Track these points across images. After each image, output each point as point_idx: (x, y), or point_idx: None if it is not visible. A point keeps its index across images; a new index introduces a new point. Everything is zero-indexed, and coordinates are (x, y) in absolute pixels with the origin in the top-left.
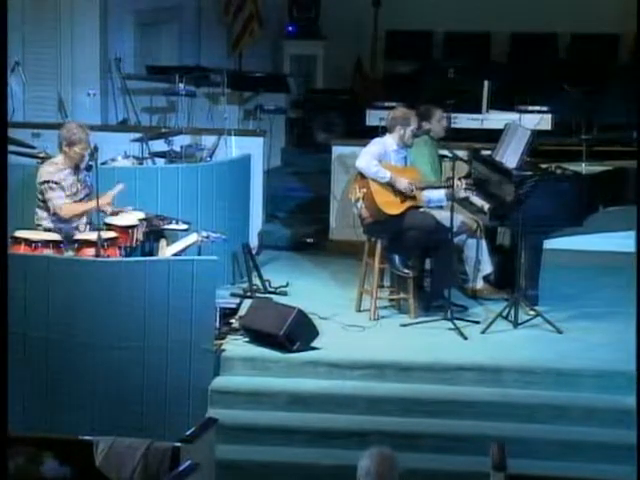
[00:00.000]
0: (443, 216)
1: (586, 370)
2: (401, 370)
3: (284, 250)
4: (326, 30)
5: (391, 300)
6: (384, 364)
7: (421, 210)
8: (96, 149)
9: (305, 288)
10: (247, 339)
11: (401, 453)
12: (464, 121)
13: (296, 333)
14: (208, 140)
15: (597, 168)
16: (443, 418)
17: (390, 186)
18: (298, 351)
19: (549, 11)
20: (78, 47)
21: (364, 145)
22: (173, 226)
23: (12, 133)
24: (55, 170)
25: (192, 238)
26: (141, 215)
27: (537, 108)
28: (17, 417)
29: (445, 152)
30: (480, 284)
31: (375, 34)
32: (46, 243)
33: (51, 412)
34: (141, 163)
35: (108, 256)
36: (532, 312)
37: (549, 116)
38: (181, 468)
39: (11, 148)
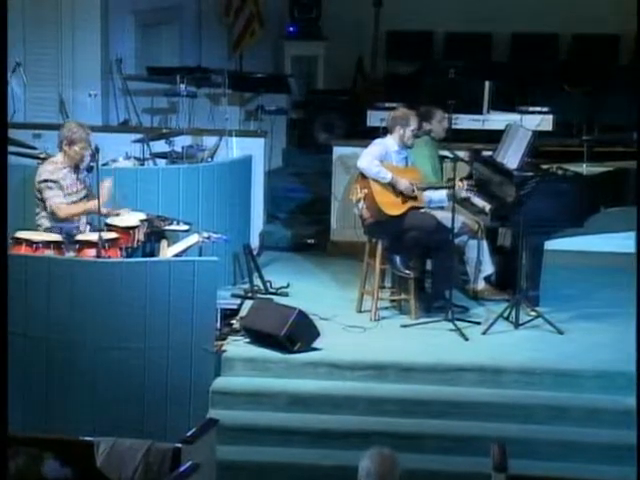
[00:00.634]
0: (444, 217)
1: (587, 371)
2: (402, 371)
3: (285, 251)
4: (327, 30)
5: (392, 301)
6: (385, 365)
7: (422, 211)
8: (97, 150)
9: (306, 289)
10: (248, 340)
11: (402, 454)
12: (465, 122)
13: (297, 334)
14: (209, 141)
15: (598, 169)
16: (444, 419)
17: (391, 187)
18: (299, 352)
19: (550, 12)
20: (79, 48)
21: (365, 146)
22: (174, 227)
23: (13, 134)
24: (54, 169)
25: (193, 239)
26: (142, 216)
27: (538, 109)
28: (17, 417)
29: (446, 153)
30: (481, 285)
31: (376, 34)
32: (47, 244)
33: (51, 413)
34: (142, 164)
35: (109, 257)
36: (533, 313)
37: (550, 117)
38: (182, 469)
39: (12, 149)
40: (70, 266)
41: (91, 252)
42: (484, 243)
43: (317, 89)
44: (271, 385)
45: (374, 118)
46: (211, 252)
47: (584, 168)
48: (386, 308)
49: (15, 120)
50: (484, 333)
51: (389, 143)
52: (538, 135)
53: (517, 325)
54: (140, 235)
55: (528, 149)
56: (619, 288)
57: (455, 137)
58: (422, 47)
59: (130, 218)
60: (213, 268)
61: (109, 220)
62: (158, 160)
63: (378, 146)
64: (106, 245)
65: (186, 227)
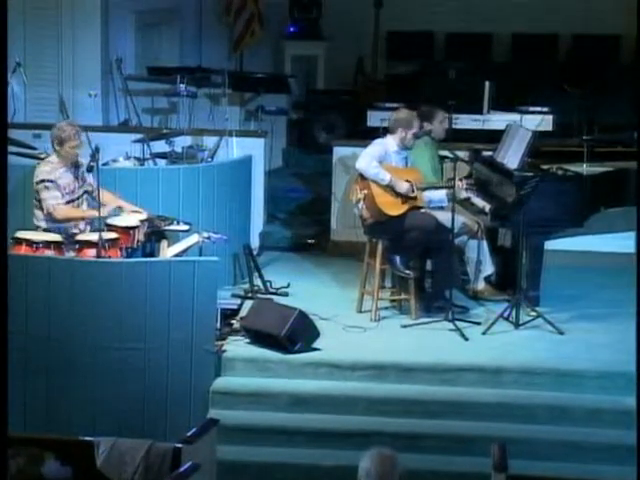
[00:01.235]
0: (444, 217)
1: (587, 371)
2: (402, 371)
3: (285, 251)
4: (327, 31)
5: (392, 301)
6: (385, 365)
7: (422, 211)
8: (97, 150)
9: (306, 289)
10: (248, 340)
11: (402, 454)
12: (465, 122)
13: (297, 334)
14: (209, 141)
15: (598, 169)
16: (444, 419)
17: (390, 188)
18: (299, 352)
19: (550, 12)
20: (79, 48)
21: (365, 146)
22: (174, 227)
23: (13, 134)
24: (51, 169)
25: (193, 239)
26: (142, 216)
27: (538, 109)
28: (17, 417)
29: (446, 153)
30: (481, 285)
31: (376, 35)
32: (47, 244)
33: (51, 413)
34: (142, 164)
35: (109, 257)
36: (533, 313)
37: (550, 117)
38: (182, 469)
39: (12, 149)
40: (70, 266)
41: (91, 252)
42: (484, 243)
43: (317, 89)
44: (271, 385)
45: (374, 118)
46: (211, 252)
47: (584, 168)
48: (386, 308)
49: (15, 120)
50: (484, 333)
51: (389, 143)
52: (538, 135)
53: (517, 325)
54: (140, 235)
55: (528, 149)
56: (619, 288)
57: (455, 137)
58: (422, 47)
59: (130, 218)
60: (213, 268)
61: (109, 220)
62: (158, 160)
63: (377, 146)
64: (106, 245)
65: (186, 227)
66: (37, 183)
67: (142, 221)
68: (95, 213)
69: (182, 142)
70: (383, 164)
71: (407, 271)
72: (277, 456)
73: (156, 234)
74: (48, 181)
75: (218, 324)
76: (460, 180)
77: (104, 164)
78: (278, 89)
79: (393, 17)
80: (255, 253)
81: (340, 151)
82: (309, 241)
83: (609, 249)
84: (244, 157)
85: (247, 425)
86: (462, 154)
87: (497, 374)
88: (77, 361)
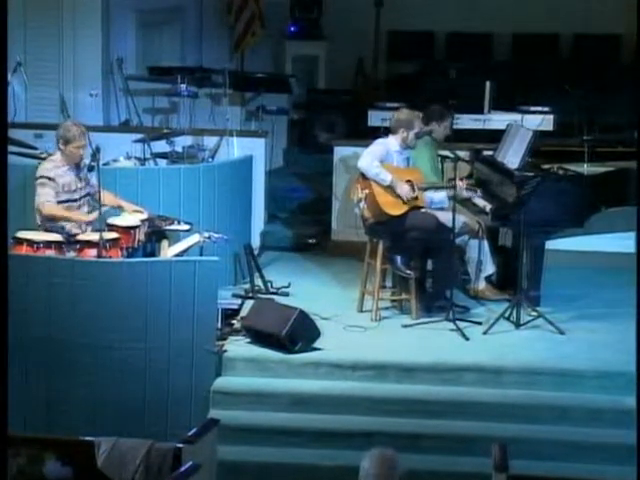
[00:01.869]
0: (445, 217)
1: (588, 371)
2: (403, 371)
3: (286, 251)
4: (328, 31)
5: (393, 301)
6: (386, 365)
7: (423, 211)
8: (98, 150)
9: (307, 289)
10: (249, 340)
11: (402, 454)
12: (466, 121)
13: (298, 334)
14: (210, 141)
15: (599, 169)
16: (445, 419)
17: (391, 188)
18: (300, 352)
19: (551, 11)
20: (80, 48)
21: (366, 146)
22: (175, 227)
23: (14, 134)
24: (52, 167)
25: (194, 239)
26: (143, 216)
27: (539, 109)
28: (18, 417)
29: (447, 153)
30: (482, 285)
31: (377, 35)
32: (48, 244)
33: (52, 413)
34: (143, 164)
35: (110, 257)
36: (534, 313)
37: (551, 117)
38: (183, 469)
39: (13, 149)
40: (71, 266)
41: (92, 252)
42: (485, 243)
43: (318, 89)
44: (272, 385)
45: (375, 118)
46: (212, 252)
47: (585, 168)
48: (387, 308)
49: (16, 120)
50: (485, 333)
51: (390, 143)
52: (539, 135)
53: (518, 325)
54: (141, 235)
55: (529, 149)
56: (620, 288)
57: (456, 137)
58: (423, 47)
59: (131, 218)
60: (214, 268)
61: (110, 220)
62: (159, 160)
63: (379, 146)
64: (107, 245)
65: (187, 227)
66: (36, 179)
67: (143, 221)
68: (82, 217)
69: (183, 142)
70: (384, 164)
71: (408, 271)
72: (278, 456)
73: (157, 234)
74: (46, 178)
75: (219, 324)
76: (460, 180)
77: (105, 164)
78: (279, 89)
79: (394, 17)
80: (256, 253)
81: (341, 151)
82: (310, 241)
83: (609, 249)
84: (245, 157)
85: (248, 425)
86: (463, 154)
87: (498, 374)
88: (77, 361)
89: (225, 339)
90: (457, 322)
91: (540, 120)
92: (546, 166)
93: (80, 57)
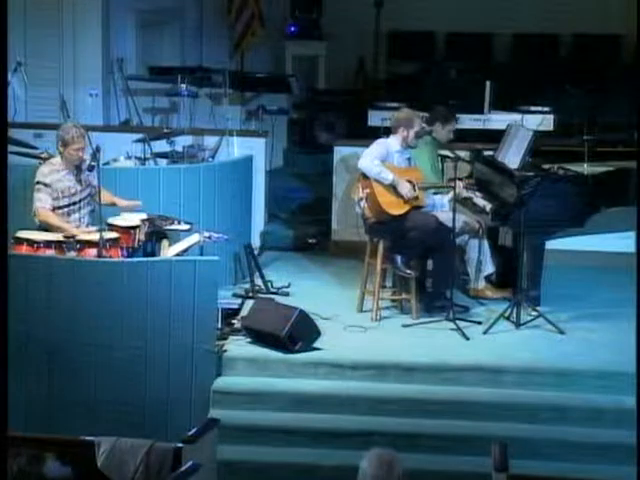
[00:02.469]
0: (445, 217)
1: (588, 371)
2: (403, 370)
3: (286, 250)
4: (328, 31)
5: (393, 301)
6: (386, 365)
7: (423, 211)
8: (98, 150)
9: (307, 289)
10: (249, 340)
11: (402, 454)
12: (466, 122)
13: (298, 334)
14: (210, 141)
15: (599, 169)
16: (445, 419)
17: (392, 187)
18: (300, 352)
19: (550, 12)
20: (80, 48)
21: (366, 146)
22: (175, 226)
23: (14, 134)
24: (49, 171)
25: (194, 238)
26: (143, 215)
27: (539, 109)
28: (18, 417)
29: (447, 153)
30: (482, 284)
31: (377, 35)
32: (48, 243)
33: (52, 412)
34: (143, 164)
35: (110, 257)
36: (534, 312)
37: (551, 117)
38: (183, 468)
39: (13, 149)
40: (71, 266)
41: (92, 252)
42: (485, 243)
43: (318, 89)
44: (272, 385)
45: (375, 118)
46: (212, 252)
47: (585, 168)
48: (387, 308)
49: (16, 120)
50: (485, 333)
51: (391, 143)
52: (539, 135)
53: (518, 325)
54: (141, 235)
55: (529, 149)
56: (619, 288)
57: (456, 137)
58: (423, 47)
59: (131, 218)
60: (214, 268)
61: (110, 220)
62: (159, 160)
63: (380, 146)
64: (107, 245)
65: (187, 227)
66: (34, 184)
67: (143, 221)
68: (74, 231)
69: (183, 142)
70: (385, 164)
71: (408, 271)
72: (278, 456)
73: (157, 234)
74: (42, 184)
75: (219, 324)
76: (460, 180)
77: (105, 164)
78: (279, 89)
79: (394, 17)
80: (256, 253)
81: (341, 151)
82: (310, 241)
83: (609, 249)
84: (245, 157)
85: (248, 425)
86: (463, 154)
87: (498, 374)
88: (77, 361)
89: (225, 339)
90: (457, 322)
91: (540, 120)
92: (546, 166)
93: (80, 57)
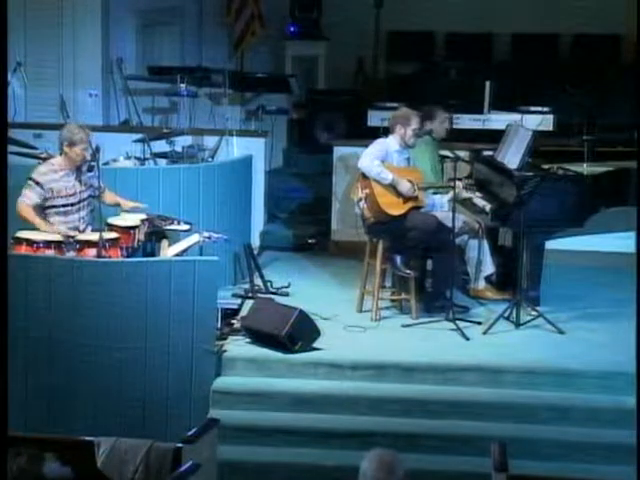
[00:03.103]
0: (445, 217)
1: (588, 371)
2: (402, 371)
3: (286, 251)
4: (328, 31)
5: (393, 301)
6: (385, 365)
7: (423, 211)
8: (98, 150)
9: (307, 289)
10: (249, 340)
11: (403, 454)
12: (466, 122)
13: (298, 334)
14: (210, 141)
15: (599, 169)
16: (444, 419)
17: (392, 187)
18: (300, 352)
19: (550, 12)
20: (80, 48)
21: (366, 146)
22: (175, 226)
23: (14, 134)
24: (47, 171)
25: (194, 238)
26: (143, 216)
27: (539, 109)
28: (18, 417)
29: (447, 153)
30: (482, 285)
31: (377, 35)
32: (48, 244)
33: (52, 412)
34: (143, 164)
35: (110, 257)
36: (534, 313)
37: (551, 117)
38: (183, 469)
39: (13, 149)
40: (71, 266)
41: (92, 252)
42: (485, 243)
43: (318, 89)
44: (272, 385)
45: (375, 118)
46: (212, 252)
47: (585, 168)
48: (387, 308)
49: (16, 120)
50: (485, 333)
51: (390, 143)
52: (539, 135)
53: (518, 325)
54: (141, 235)
55: (529, 149)
56: (619, 288)
57: (456, 137)
58: (423, 47)
59: (131, 218)
60: (214, 268)
61: (110, 220)
62: (159, 160)
63: (379, 146)
64: (107, 245)
65: (187, 227)
66: (27, 178)
67: (142, 221)
68: (48, 229)
69: (183, 142)
70: (385, 164)
71: (408, 271)
72: (277, 456)
73: (157, 234)
74: (34, 182)
75: (219, 324)
76: (459, 180)
77: (104, 164)
78: (279, 89)
79: (393, 17)
80: (256, 253)
81: (340, 151)
82: (310, 241)
83: (609, 249)
84: (245, 157)
85: (247, 425)
86: (463, 154)
87: (497, 374)
88: (77, 361)
89: (225, 339)
90: (457, 322)
91: (540, 120)
92: (546, 166)
93: (80, 57)
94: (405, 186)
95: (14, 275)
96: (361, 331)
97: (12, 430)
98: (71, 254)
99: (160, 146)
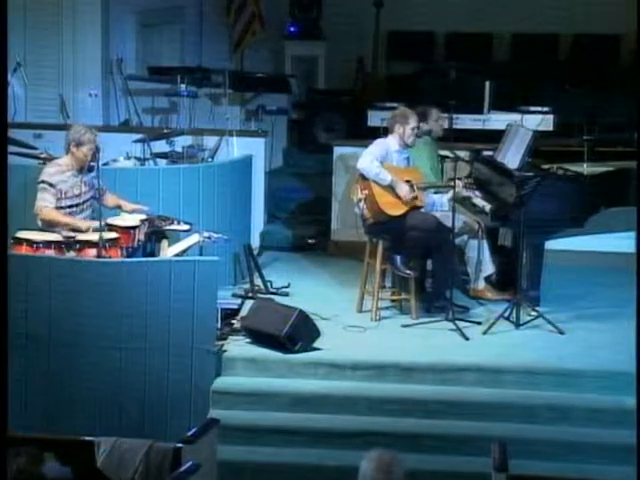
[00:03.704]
0: (444, 216)
1: (588, 371)
2: (402, 371)
3: (285, 251)
4: (328, 31)
5: (392, 301)
6: (385, 365)
7: (422, 211)
8: (98, 150)
9: (306, 289)
10: (248, 340)
11: (402, 454)
12: (466, 122)
13: (297, 334)
14: (210, 141)
15: (599, 169)
16: (444, 419)
17: (391, 187)
18: (299, 352)
19: (551, 11)
20: (80, 48)
21: (365, 146)
22: (175, 227)
23: (14, 134)
24: (55, 172)
25: (194, 239)
26: (143, 216)
27: (539, 109)
28: (18, 417)
29: (446, 153)
30: (481, 285)
31: (377, 35)
32: (48, 244)
33: (52, 413)
34: (143, 164)
35: (110, 257)
36: (533, 313)
37: (551, 117)
38: (182, 469)
39: (13, 149)
40: (71, 266)
41: (92, 252)
42: (484, 243)
43: (318, 89)
44: (272, 385)
45: (374, 118)
46: (212, 252)
47: (585, 168)
48: (387, 308)
49: (16, 120)
50: (485, 333)
51: (390, 143)
52: (539, 135)
53: (518, 325)
54: (141, 235)
55: (529, 149)
56: (619, 288)
57: (456, 137)
58: (423, 47)
59: (131, 218)
60: (214, 268)
61: (110, 220)
62: (159, 160)
63: (379, 146)
64: (107, 245)
65: (187, 227)
66: (38, 183)
67: (142, 221)
68: (79, 223)
69: (182, 142)
70: (384, 164)
71: (407, 271)
72: (277, 456)
73: (156, 234)
74: (47, 183)
75: (218, 324)
76: (459, 180)
77: (104, 164)
78: (278, 89)
79: (393, 17)
80: (255, 253)
81: (340, 151)
82: (309, 241)
83: (609, 249)
84: (244, 157)
85: (247, 425)
86: (463, 154)
87: (497, 374)
88: (77, 361)
89: (225, 339)
90: (457, 322)
91: (540, 120)
92: (546, 166)
93: (80, 57)
94: (403, 189)
95: (14, 275)
96: (361, 331)
97: (12, 430)
98: (71, 254)
99: (160, 146)
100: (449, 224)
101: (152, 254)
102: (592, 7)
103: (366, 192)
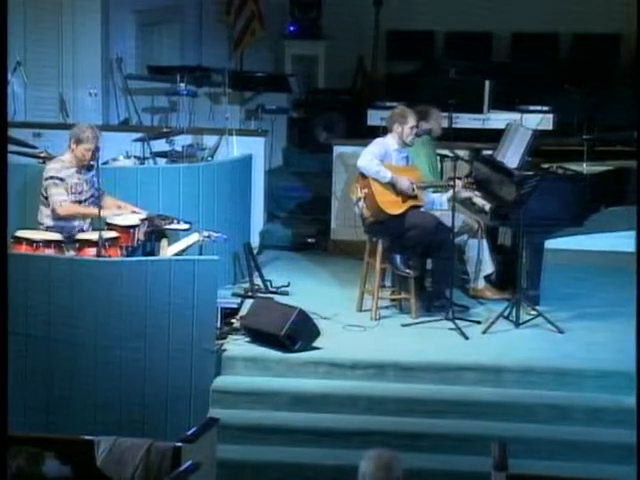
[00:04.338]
0: (444, 215)
1: (587, 370)
2: (402, 370)
3: (285, 250)
4: (327, 30)
5: (392, 300)
6: (385, 364)
7: (422, 210)
8: (97, 149)
9: (306, 288)
10: (248, 339)
11: (402, 453)
12: (465, 121)
13: (297, 333)
14: (209, 140)
15: (598, 168)
16: (444, 418)
17: (391, 186)
18: (299, 351)
19: (550, 11)
20: (80, 47)
21: (365, 145)
22: (174, 226)
23: (13, 133)
24: (61, 167)
25: (193, 238)
26: (142, 215)
27: (538, 108)
28: (18, 416)
29: (446, 152)
30: (481, 284)
31: (376, 34)
32: (47, 243)
33: (52, 412)
34: (142, 163)
35: (109, 256)
36: (533, 312)
37: (550, 116)
38: (182, 468)
39: (12, 148)
40: (70, 265)
41: (91, 251)
42: (484, 242)
43: (317, 88)
44: (271, 384)
45: (374, 117)
46: (211, 251)
47: (584, 167)
48: (386, 307)
49: (16, 119)
50: (484, 332)
51: (389, 142)
52: (538, 134)
53: (517, 324)
54: (140, 234)
55: (528, 148)
56: (619, 287)
57: (455, 136)
58: (423, 46)
59: (130, 217)
60: (213, 267)
61: (110, 219)
62: (158, 159)
63: (378, 145)
64: (106, 244)
65: (186, 226)
66: (46, 179)
67: (142, 220)
68: (96, 212)
69: (182, 141)
70: (384, 163)
71: (407, 270)
72: (277, 455)
73: (156, 233)
74: (57, 178)
75: (218, 323)
76: (459, 179)
77: (104, 163)
78: (278, 88)
79: (393, 16)
80: (255, 252)
81: (340, 150)
82: (309, 240)
83: (609, 248)
84: (244, 156)
85: (247, 424)
86: (462, 153)
87: (497, 373)
88: (77, 360)
89: (224, 338)
90: (456, 321)
91: (540, 119)
92: (545, 165)
93: (80, 56)
94: (404, 183)
95: (14, 274)
96: (361, 330)
97: (12, 430)
98: (71, 253)
99: (160, 145)
100: (449, 223)
101: (152, 253)
102: (592, 7)
103: (365, 191)
